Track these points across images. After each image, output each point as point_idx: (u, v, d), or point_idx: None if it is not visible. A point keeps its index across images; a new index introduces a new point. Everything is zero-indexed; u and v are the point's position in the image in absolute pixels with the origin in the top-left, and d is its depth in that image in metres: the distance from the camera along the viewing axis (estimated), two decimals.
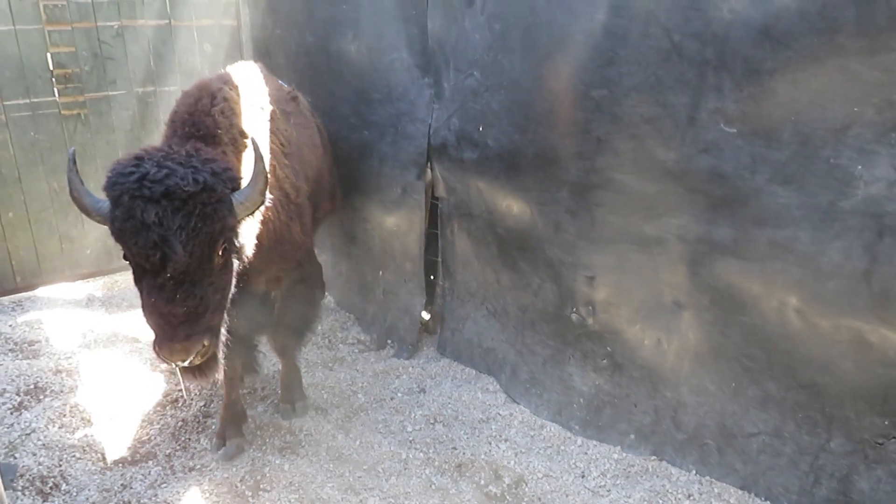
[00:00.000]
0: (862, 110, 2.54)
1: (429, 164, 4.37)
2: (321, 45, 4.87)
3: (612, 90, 3.21)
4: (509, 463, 3.55)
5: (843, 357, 2.83)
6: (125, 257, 2.54)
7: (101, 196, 2.57)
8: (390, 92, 4.44)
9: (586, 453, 3.64)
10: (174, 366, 2.60)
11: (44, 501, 3.22)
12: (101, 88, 5.47)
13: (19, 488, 3.25)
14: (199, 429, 3.81)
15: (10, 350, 4.58)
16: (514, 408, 4.05)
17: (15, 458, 3.45)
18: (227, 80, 3.31)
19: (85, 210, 2.60)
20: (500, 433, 3.82)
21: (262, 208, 2.77)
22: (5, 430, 3.67)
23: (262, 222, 3.05)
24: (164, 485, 3.38)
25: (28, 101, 5.16)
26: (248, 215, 2.70)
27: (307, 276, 3.82)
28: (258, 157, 2.65)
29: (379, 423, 3.94)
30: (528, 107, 3.63)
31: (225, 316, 2.80)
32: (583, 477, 3.47)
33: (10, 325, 4.92)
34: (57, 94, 5.28)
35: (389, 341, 4.84)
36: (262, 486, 3.36)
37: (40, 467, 3.40)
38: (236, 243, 2.74)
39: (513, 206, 3.93)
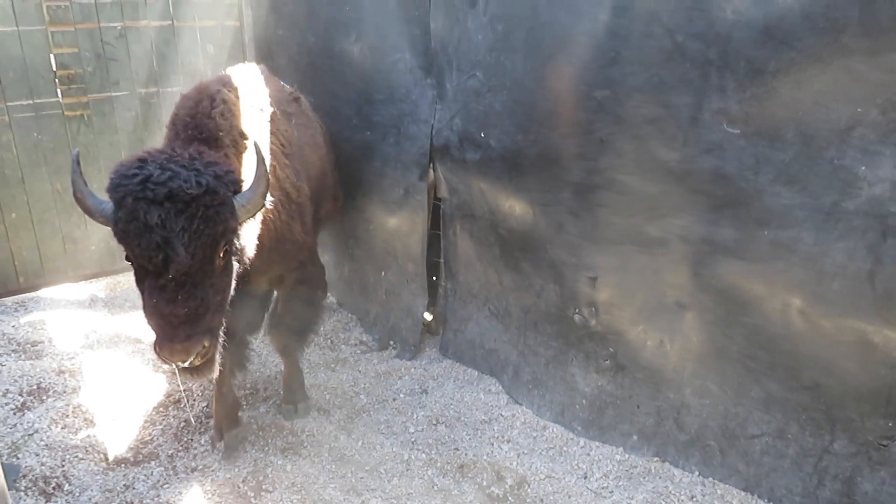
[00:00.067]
0: (866, 111, 2.53)
1: (431, 165, 4.37)
2: (323, 45, 4.87)
3: (615, 91, 3.21)
4: (512, 464, 3.55)
5: (847, 358, 2.82)
6: (127, 258, 2.56)
7: (105, 197, 2.58)
8: (393, 93, 4.44)
9: (589, 454, 3.63)
10: (175, 366, 2.61)
11: (47, 502, 3.22)
12: (105, 89, 5.48)
13: (22, 488, 3.26)
14: (202, 429, 3.81)
15: (13, 351, 4.58)
16: (517, 409, 4.05)
17: (18, 458, 3.46)
18: (226, 83, 3.32)
19: (88, 211, 2.62)
20: (503, 434, 3.82)
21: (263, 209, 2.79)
22: (8, 430, 3.68)
23: (263, 222, 3.06)
24: (167, 485, 3.38)
25: (31, 102, 5.17)
26: (249, 218, 2.72)
27: (309, 277, 3.82)
28: (260, 161, 2.68)
29: (381, 424, 3.94)
30: (531, 107, 3.63)
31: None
32: (585, 478, 3.47)
33: (14, 326, 4.93)
34: (60, 95, 5.28)
35: (392, 342, 4.84)
36: (264, 486, 3.36)
37: (43, 468, 3.40)
38: (237, 245, 2.76)
39: (515, 207, 3.92)
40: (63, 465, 3.45)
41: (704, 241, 3.12)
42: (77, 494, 3.29)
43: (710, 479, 3.34)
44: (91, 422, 3.83)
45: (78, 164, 2.65)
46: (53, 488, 3.30)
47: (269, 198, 2.76)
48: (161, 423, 3.86)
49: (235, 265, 2.81)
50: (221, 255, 2.63)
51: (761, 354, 3.09)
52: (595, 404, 3.77)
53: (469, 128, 4.00)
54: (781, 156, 2.78)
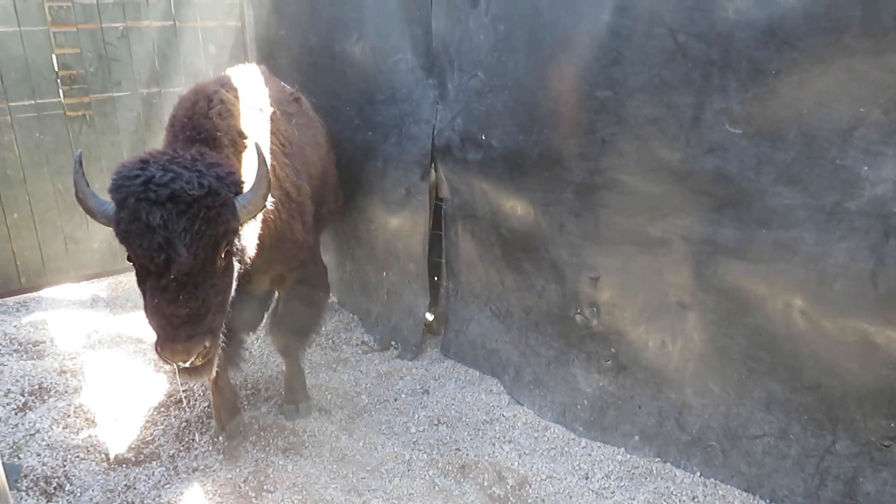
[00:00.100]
0: (868, 111, 2.53)
1: (433, 165, 4.37)
2: (325, 45, 4.87)
3: (617, 91, 3.21)
4: (513, 464, 3.55)
5: (849, 358, 2.82)
6: (129, 259, 2.57)
7: (106, 198, 2.59)
8: (394, 93, 4.44)
9: (590, 455, 3.63)
10: (176, 365, 2.62)
11: (48, 502, 3.23)
12: (106, 90, 5.48)
13: (23, 488, 3.26)
14: (203, 429, 3.81)
15: (14, 350, 4.58)
16: (518, 409, 4.04)
17: (19, 458, 3.46)
18: (224, 83, 3.34)
19: (90, 212, 2.63)
20: (504, 434, 3.82)
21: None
22: (10, 430, 3.68)
23: (263, 222, 3.07)
24: (168, 485, 3.38)
25: (33, 102, 5.17)
26: (250, 218, 2.74)
27: (311, 276, 3.82)
28: (261, 163, 2.69)
29: (382, 425, 3.94)
30: (533, 107, 3.63)
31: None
32: (587, 478, 3.46)
33: (15, 326, 4.93)
34: (62, 96, 5.29)
35: (393, 342, 4.84)
36: (265, 486, 3.36)
37: (44, 468, 3.40)
38: (237, 245, 2.77)
39: (517, 207, 3.92)
40: (64, 465, 3.45)
41: (706, 241, 3.12)
42: (78, 494, 3.29)
43: (712, 479, 3.34)
44: (92, 422, 3.84)
45: (80, 165, 2.66)
46: (55, 488, 3.30)
47: (269, 198, 2.77)
48: (162, 423, 3.86)
49: (236, 265, 2.82)
50: (223, 255, 2.64)
51: (763, 355, 3.09)
52: (596, 405, 3.76)
53: (471, 128, 4.00)
54: (783, 156, 2.78)
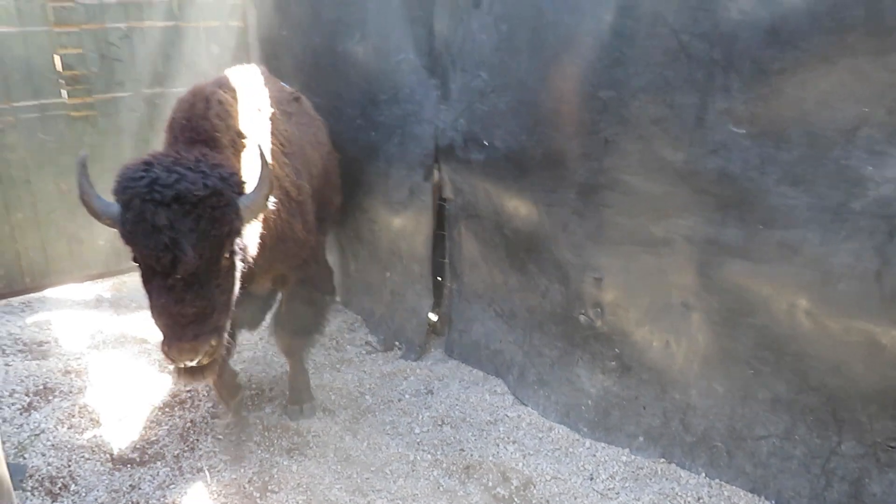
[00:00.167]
0: (872, 111, 2.52)
1: (436, 166, 4.36)
2: (328, 46, 4.87)
3: (620, 91, 3.20)
4: (517, 465, 3.55)
5: (855, 359, 2.81)
6: (134, 259, 2.59)
7: (110, 199, 2.60)
8: (397, 93, 4.44)
9: (595, 455, 3.63)
10: (182, 366, 2.63)
11: (53, 502, 3.23)
12: (109, 90, 5.48)
13: (28, 489, 3.27)
14: (207, 430, 3.82)
15: (19, 351, 4.60)
16: (522, 409, 4.04)
17: (24, 458, 3.47)
18: (222, 84, 3.36)
19: (94, 213, 2.65)
20: (508, 435, 3.82)
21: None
22: (15, 430, 3.69)
23: (264, 221, 3.09)
24: (173, 486, 3.38)
25: (36, 102, 5.17)
26: (253, 218, 2.76)
27: (313, 276, 3.82)
28: (264, 163, 2.72)
29: (386, 425, 3.94)
30: (536, 108, 3.63)
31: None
32: (591, 479, 3.46)
33: (20, 326, 4.94)
34: (65, 96, 5.29)
35: (397, 343, 4.84)
36: (269, 487, 3.37)
37: (49, 468, 3.41)
38: (240, 245, 2.79)
39: (520, 208, 3.92)
40: (69, 466, 3.46)
41: (710, 241, 3.11)
42: (83, 494, 3.30)
43: (717, 480, 3.33)
44: (97, 422, 3.84)
45: (85, 167, 2.67)
46: (59, 488, 3.31)
47: (271, 199, 2.80)
48: (167, 424, 3.86)
49: (239, 264, 2.84)
50: (227, 255, 2.66)
51: (768, 355, 3.08)
52: (601, 405, 3.76)
53: (473, 128, 4.00)
54: (787, 156, 2.77)
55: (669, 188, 3.17)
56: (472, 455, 3.65)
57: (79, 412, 3.89)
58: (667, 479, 3.40)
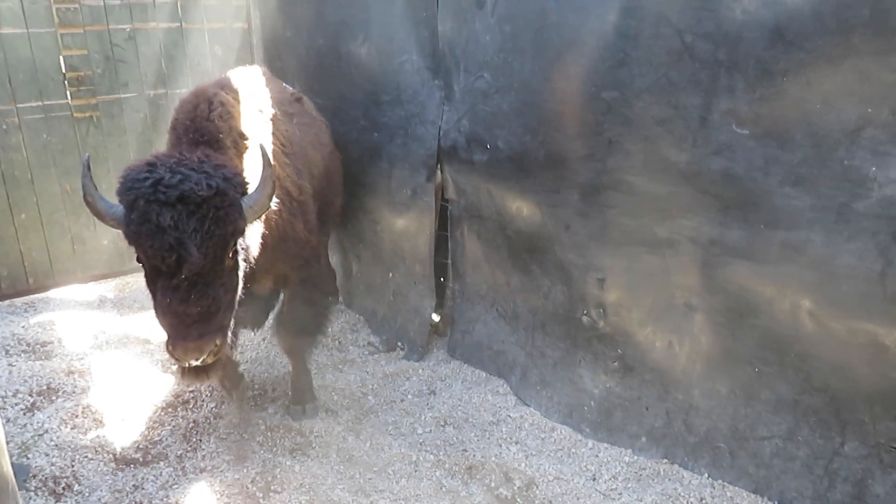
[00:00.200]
0: (876, 111, 2.52)
1: (439, 167, 4.37)
2: (331, 47, 4.88)
3: (624, 92, 3.21)
4: (520, 465, 3.55)
5: (858, 360, 2.81)
6: (139, 260, 2.61)
7: (114, 200, 2.62)
8: (400, 94, 4.45)
9: (597, 456, 3.63)
10: (187, 365, 2.64)
11: (56, 502, 3.24)
12: (113, 91, 5.50)
13: (32, 488, 3.27)
14: (210, 430, 3.82)
15: (22, 351, 4.61)
16: (525, 410, 4.04)
17: (28, 458, 3.47)
18: (223, 85, 3.39)
19: (98, 214, 2.66)
20: (511, 435, 3.81)
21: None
22: (18, 430, 3.70)
23: (266, 221, 3.10)
24: (176, 486, 3.39)
25: (41, 103, 5.20)
26: (256, 218, 2.79)
27: (315, 276, 3.84)
28: (266, 163, 2.74)
29: (389, 425, 3.94)
30: (539, 108, 3.63)
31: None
32: (594, 480, 3.46)
33: (23, 327, 4.95)
34: (69, 97, 5.31)
35: (399, 343, 4.84)
36: (272, 487, 3.37)
37: (53, 468, 3.42)
38: (242, 244, 2.82)
39: (523, 208, 3.92)
40: (73, 466, 3.46)
41: (713, 242, 3.11)
42: (86, 494, 3.30)
43: (720, 481, 3.33)
44: (100, 422, 3.85)
45: (89, 168, 2.69)
46: (63, 488, 3.32)
47: (274, 198, 2.83)
48: (170, 424, 3.87)
49: (242, 264, 2.86)
50: (231, 254, 2.69)
51: (771, 356, 3.08)
52: (603, 406, 3.76)
53: (477, 129, 4.00)
54: (791, 157, 2.77)
55: (673, 189, 3.17)
56: (474, 455, 3.65)
57: (82, 412, 3.90)
58: (669, 480, 3.40)
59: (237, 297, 2.85)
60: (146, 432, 3.80)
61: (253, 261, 3.01)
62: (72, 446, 3.60)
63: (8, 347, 4.61)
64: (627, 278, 3.51)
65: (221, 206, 2.55)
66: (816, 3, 2.55)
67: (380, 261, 5.03)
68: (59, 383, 4.16)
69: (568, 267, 3.76)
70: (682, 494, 3.27)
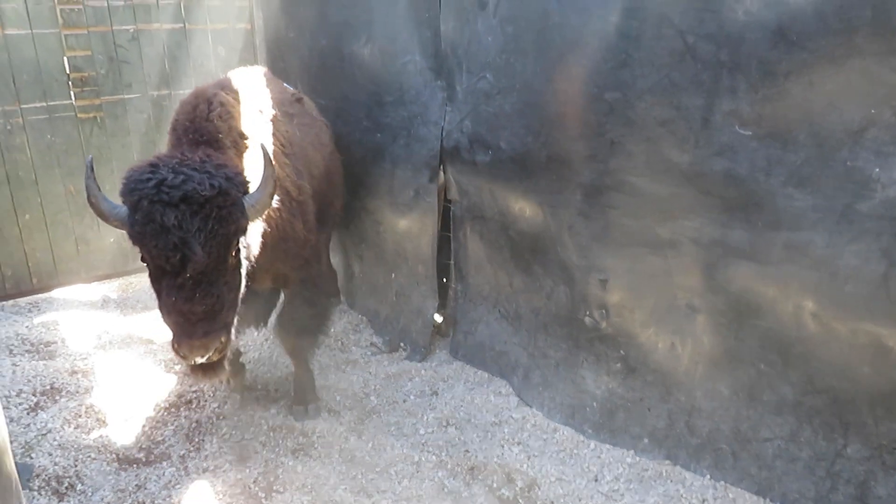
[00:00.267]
0: (879, 112, 2.51)
1: (441, 167, 4.37)
2: (334, 48, 4.89)
3: (626, 92, 3.20)
4: (522, 466, 3.55)
5: (861, 362, 2.80)
6: (143, 259, 2.64)
7: (118, 201, 2.64)
8: (403, 95, 4.45)
9: (599, 457, 3.62)
10: (193, 363, 2.66)
11: (59, 501, 3.25)
12: (117, 92, 5.52)
13: (35, 488, 3.28)
14: (213, 430, 3.83)
15: (26, 351, 4.62)
16: (527, 411, 4.04)
17: (31, 458, 3.49)
18: (224, 86, 3.42)
19: (102, 215, 2.69)
20: (513, 436, 3.81)
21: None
22: (22, 430, 3.71)
23: (265, 220, 3.12)
24: (178, 486, 3.40)
25: (45, 104, 5.22)
26: (258, 217, 2.82)
27: (315, 276, 3.85)
28: (267, 163, 2.78)
29: (391, 426, 3.94)
30: (541, 109, 3.63)
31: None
32: (596, 481, 3.46)
33: (27, 326, 4.97)
34: (73, 98, 5.33)
35: (402, 344, 4.85)
36: (275, 487, 3.38)
37: (56, 467, 3.43)
38: (244, 243, 2.84)
39: (525, 209, 3.92)
40: (76, 465, 3.47)
41: (716, 243, 3.11)
42: (89, 494, 3.31)
43: (722, 482, 3.32)
44: (103, 422, 3.86)
45: (92, 170, 2.72)
46: (66, 488, 3.33)
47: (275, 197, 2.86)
48: (173, 424, 3.88)
49: (245, 263, 2.88)
50: (234, 253, 2.72)
51: (773, 357, 3.07)
52: (606, 407, 3.76)
53: (479, 130, 4.00)
54: (794, 157, 2.77)
55: (675, 190, 3.17)
56: (476, 456, 3.65)
57: (85, 412, 3.91)
58: (672, 481, 3.40)
59: (240, 295, 2.87)
60: (149, 432, 3.81)
61: (254, 259, 3.04)
62: (75, 446, 3.61)
63: (12, 347, 4.62)
64: (630, 279, 3.50)
65: (224, 205, 2.58)
66: (819, 4, 2.55)
67: (382, 261, 5.04)
68: (63, 383, 4.18)
69: (570, 268, 3.76)
70: (684, 496, 3.27)
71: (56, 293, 5.58)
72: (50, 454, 3.52)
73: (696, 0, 2.86)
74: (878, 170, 2.56)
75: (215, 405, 4.04)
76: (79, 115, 5.39)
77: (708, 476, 3.37)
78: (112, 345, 4.76)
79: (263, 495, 3.32)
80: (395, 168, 4.61)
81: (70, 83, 5.28)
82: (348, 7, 4.66)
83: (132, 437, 3.75)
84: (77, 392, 4.11)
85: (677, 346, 3.42)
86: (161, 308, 2.63)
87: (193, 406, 4.05)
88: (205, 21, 5.76)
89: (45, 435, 3.67)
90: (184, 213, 2.48)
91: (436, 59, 4.19)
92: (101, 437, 3.72)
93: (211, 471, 3.51)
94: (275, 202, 2.91)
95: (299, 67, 5.35)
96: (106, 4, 5.28)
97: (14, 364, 4.36)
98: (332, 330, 4.97)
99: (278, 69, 5.39)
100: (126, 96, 5.56)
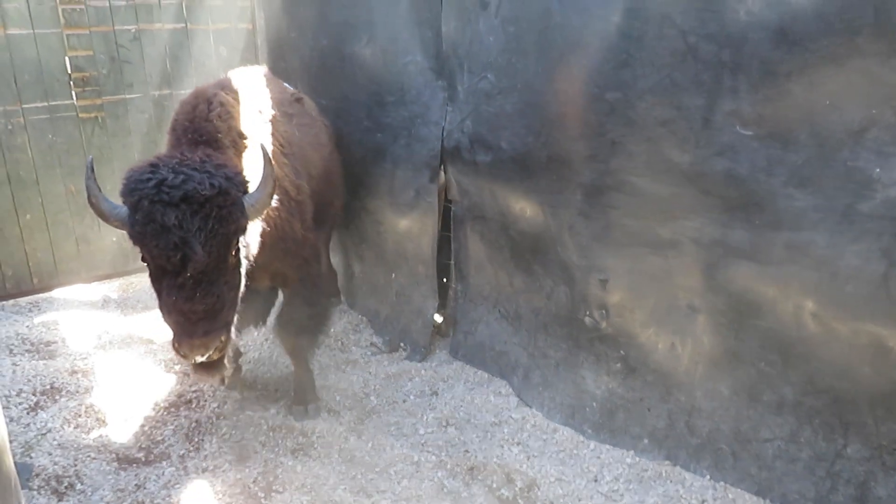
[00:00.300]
0: (880, 112, 2.51)
1: (442, 167, 4.37)
2: (335, 48, 4.89)
3: (627, 92, 3.20)
4: (521, 466, 3.54)
5: (862, 362, 2.80)
6: (144, 259, 2.65)
7: (118, 201, 2.65)
8: (404, 95, 4.45)
9: (599, 457, 3.62)
10: (195, 361, 2.67)
11: (59, 501, 3.25)
12: (119, 92, 5.52)
13: (35, 488, 3.28)
14: (213, 430, 3.83)
15: (26, 350, 4.62)
16: (527, 411, 4.04)
17: (31, 457, 3.49)
18: (223, 86, 3.43)
19: (103, 216, 2.70)
20: (513, 436, 3.81)
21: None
22: (22, 429, 3.71)
23: (264, 219, 3.13)
24: (178, 485, 3.39)
25: (46, 104, 5.22)
26: (257, 216, 2.83)
27: (315, 275, 3.85)
28: (267, 163, 2.79)
29: (391, 426, 3.94)
30: (542, 109, 3.63)
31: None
32: (595, 481, 3.45)
33: (27, 326, 4.97)
34: (75, 98, 5.33)
35: (402, 344, 4.85)
36: (274, 487, 3.37)
37: (56, 467, 3.43)
38: (244, 242, 2.85)
39: (526, 209, 3.92)
40: (75, 465, 3.47)
41: (717, 243, 3.10)
42: (89, 494, 3.31)
43: (722, 483, 3.32)
44: (103, 422, 3.86)
45: (93, 170, 2.72)
46: (66, 487, 3.33)
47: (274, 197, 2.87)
48: (172, 424, 3.88)
49: (244, 262, 2.89)
50: (234, 252, 2.73)
51: (774, 358, 3.07)
52: (605, 407, 3.75)
53: (480, 130, 4.00)
54: (794, 158, 2.76)
55: (676, 190, 3.16)
56: (476, 456, 3.64)
57: (85, 412, 3.91)
58: (671, 482, 3.39)
59: (240, 294, 2.88)
60: (149, 432, 3.80)
61: (253, 259, 3.05)
62: (75, 446, 3.61)
63: (12, 347, 4.62)
64: (630, 279, 3.50)
65: (224, 204, 2.59)
66: (820, 4, 2.55)
67: (383, 261, 5.03)
68: (63, 383, 4.18)
69: (571, 268, 3.76)
70: (683, 496, 3.27)
71: (56, 293, 5.58)
72: (50, 454, 3.52)
73: (698, 0, 2.86)
74: (878, 170, 2.56)
75: (215, 405, 4.04)
76: (80, 115, 5.39)
77: (708, 476, 3.37)
78: (112, 345, 4.76)
79: (263, 495, 3.32)
80: (396, 168, 4.61)
81: (71, 83, 5.29)
82: (349, 7, 4.67)
83: (132, 437, 3.75)
84: (77, 392, 4.11)
85: (677, 347, 3.41)
86: (161, 307, 2.64)
87: (193, 406, 4.05)
88: (206, 21, 5.76)
89: (44, 434, 3.67)
90: (184, 213, 2.49)
91: (437, 59, 4.19)
92: (100, 436, 3.72)
93: (210, 470, 3.51)
94: (274, 201, 2.91)
95: (300, 67, 5.35)
96: (108, 4, 5.29)
97: (14, 364, 4.36)
98: (333, 330, 4.97)
99: (280, 69, 5.39)
100: (127, 96, 5.57)
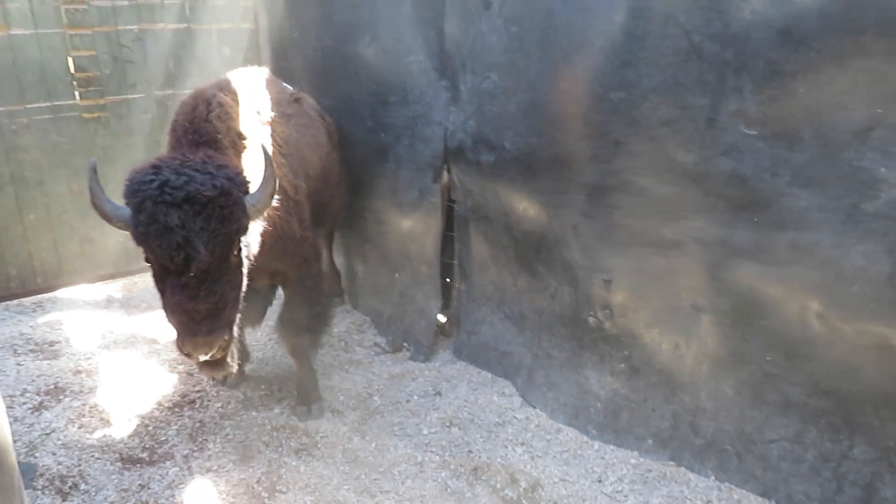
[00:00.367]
0: (885, 112, 2.50)
1: (445, 167, 4.36)
2: (338, 48, 4.88)
3: (631, 92, 3.19)
4: (525, 467, 3.54)
5: (867, 362, 2.79)
6: (147, 259, 2.67)
7: (121, 202, 2.66)
8: (407, 95, 4.45)
9: (603, 458, 3.61)
10: (200, 360, 2.68)
11: (63, 501, 3.25)
12: (122, 92, 5.53)
13: (39, 487, 3.29)
14: (216, 430, 3.83)
15: (30, 350, 4.63)
16: (531, 411, 4.03)
17: (35, 457, 3.49)
18: (222, 87, 3.44)
19: (105, 217, 2.72)
20: (517, 437, 3.81)
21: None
22: (26, 429, 3.71)
23: (264, 219, 3.14)
24: (182, 485, 3.40)
25: (49, 104, 5.23)
26: (258, 216, 2.85)
27: (315, 275, 3.85)
28: (268, 163, 2.81)
29: (395, 426, 3.94)
30: (545, 109, 3.62)
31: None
32: (599, 482, 3.45)
33: (31, 326, 4.98)
34: (78, 98, 5.34)
35: (405, 344, 4.84)
36: (278, 487, 3.37)
37: (60, 467, 3.43)
38: (245, 242, 2.87)
39: (529, 209, 3.91)
40: (79, 465, 3.48)
41: (721, 243, 3.09)
42: (93, 494, 3.31)
43: (727, 483, 3.31)
44: (107, 422, 3.86)
45: (95, 172, 2.73)
46: (70, 487, 3.33)
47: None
48: (176, 424, 3.88)
49: (246, 261, 2.91)
50: (236, 252, 2.74)
51: (778, 358, 3.06)
52: (609, 407, 3.75)
53: (483, 130, 4.00)
54: (799, 157, 2.75)
55: (680, 190, 3.15)
56: (480, 457, 3.64)
57: (89, 412, 3.91)
58: (676, 483, 3.38)
59: (242, 293, 2.90)
60: (153, 432, 3.81)
61: (253, 258, 3.07)
62: (78, 445, 3.61)
63: (16, 347, 4.64)
64: (634, 279, 3.49)
65: (226, 205, 2.60)
66: (825, 4, 2.54)
67: (386, 261, 5.03)
68: (67, 383, 4.18)
69: (574, 268, 3.75)
70: (688, 497, 3.26)
71: (60, 293, 5.59)
72: (54, 453, 3.53)
73: None
74: (884, 169, 2.55)
75: (218, 405, 4.04)
76: (83, 115, 5.40)
77: (712, 477, 3.36)
78: (116, 344, 4.77)
79: (266, 495, 3.32)
80: (399, 168, 4.60)
81: (74, 83, 5.29)
82: (352, 7, 4.66)
83: (136, 437, 3.75)
84: (81, 392, 4.11)
85: (681, 347, 3.40)
86: (165, 307, 2.65)
87: (197, 406, 4.05)
88: (209, 21, 5.77)
89: (48, 434, 3.68)
90: (187, 213, 2.50)
91: (440, 60, 4.18)
92: (104, 436, 3.72)
93: (214, 471, 3.51)
94: (274, 201, 2.93)
95: (303, 67, 5.35)
96: (110, 4, 5.29)
97: (18, 363, 4.37)
98: (336, 330, 4.97)
99: (282, 69, 5.39)
100: (130, 96, 5.57)
